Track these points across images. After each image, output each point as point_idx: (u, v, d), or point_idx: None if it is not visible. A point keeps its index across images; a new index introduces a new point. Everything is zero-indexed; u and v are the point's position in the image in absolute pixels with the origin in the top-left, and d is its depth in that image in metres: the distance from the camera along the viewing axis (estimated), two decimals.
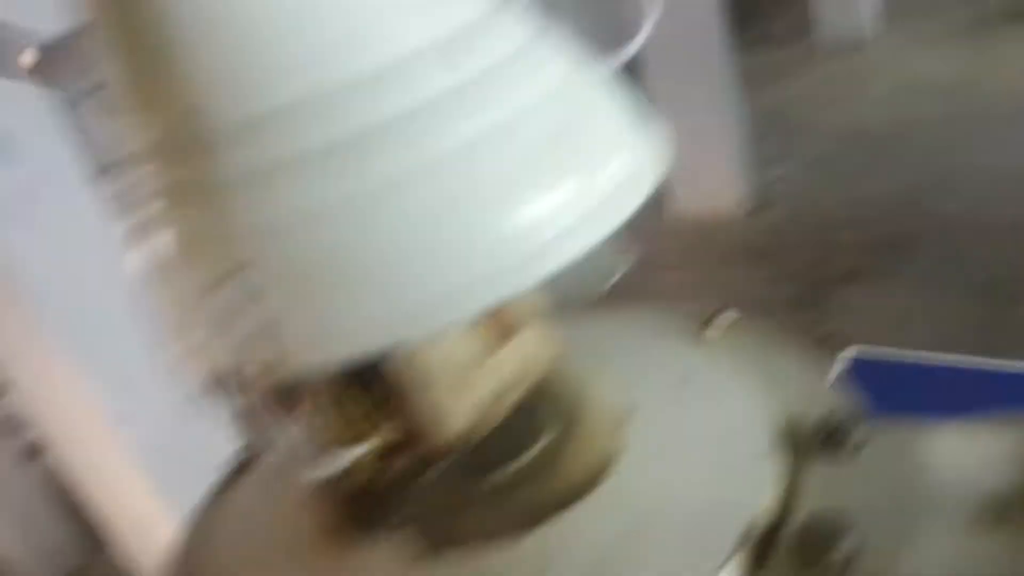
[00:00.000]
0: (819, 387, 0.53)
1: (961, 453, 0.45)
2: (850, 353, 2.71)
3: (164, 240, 0.38)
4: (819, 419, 0.48)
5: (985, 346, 2.81)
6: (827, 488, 0.45)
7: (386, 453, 0.46)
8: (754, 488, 0.45)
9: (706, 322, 0.60)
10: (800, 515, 0.43)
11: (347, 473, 0.46)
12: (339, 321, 0.35)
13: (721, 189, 4.20)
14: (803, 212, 4.06)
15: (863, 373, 2.67)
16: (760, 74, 5.44)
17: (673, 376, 0.54)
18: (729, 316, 0.60)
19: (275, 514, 0.54)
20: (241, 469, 0.61)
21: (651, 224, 4.13)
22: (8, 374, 2.15)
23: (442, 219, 0.35)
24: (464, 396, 0.45)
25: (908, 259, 3.52)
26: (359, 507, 0.49)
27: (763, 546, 0.43)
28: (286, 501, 0.53)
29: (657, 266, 3.73)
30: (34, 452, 2.56)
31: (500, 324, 0.45)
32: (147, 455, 1.97)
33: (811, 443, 0.47)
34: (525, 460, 0.48)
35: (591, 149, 0.40)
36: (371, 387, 0.44)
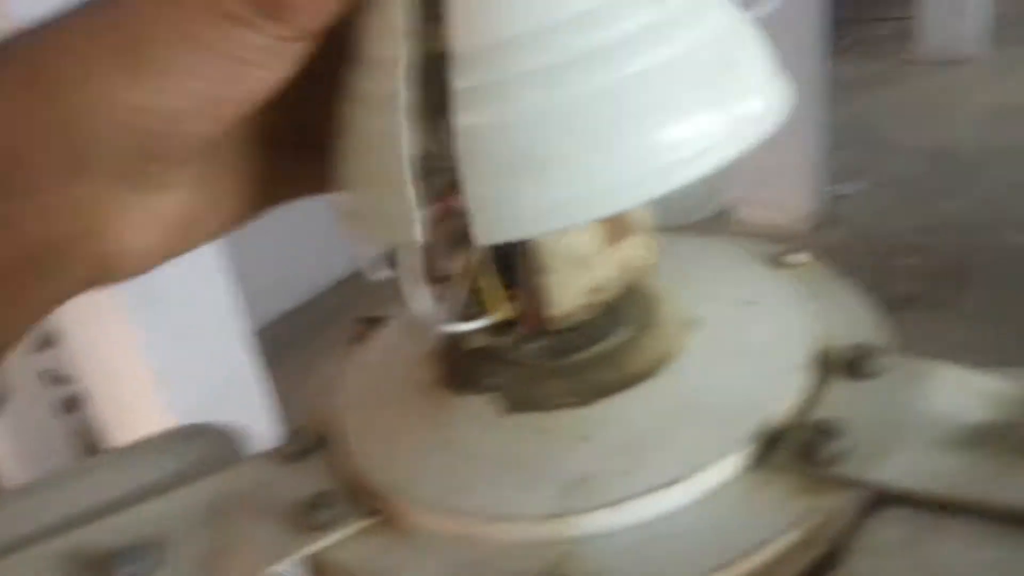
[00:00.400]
0: (862, 321, 0.65)
1: (959, 390, 0.56)
2: None
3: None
4: (851, 346, 0.60)
5: None
6: (837, 402, 0.57)
7: (502, 327, 0.58)
8: (778, 395, 0.57)
9: (780, 256, 0.72)
10: (808, 420, 0.55)
11: (466, 339, 0.59)
12: (524, 203, 0.46)
13: (789, 200, 4.21)
14: (869, 232, 4.09)
15: None
16: (850, 83, 5.44)
17: (739, 298, 0.66)
18: (803, 255, 0.72)
19: (394, 366, 0.68)
20: (370, 327, 0.76)
21: (715, 228, 4.21)
22: (56, 325, 2.27)
23: (615, 129, 0.46)
24: (573, 285, 0.56)
25: (969, 290, 3.56)
26: (465, 368, 0.63)
27: (771, 443, 0.55)
28: (406, 357, 0.68)
29: None
30: (73, 404, 2.65)
31: (616, 226, 0.56)
32: (184, 419, 2.10)
33: (838, 365, 0.59)
34: (599, 349, 0.61)
35: (736, 88, 0.50)
36: (503, 268, 0.56)
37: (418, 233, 0.49)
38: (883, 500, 0.51)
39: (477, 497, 0.55)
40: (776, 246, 0.75)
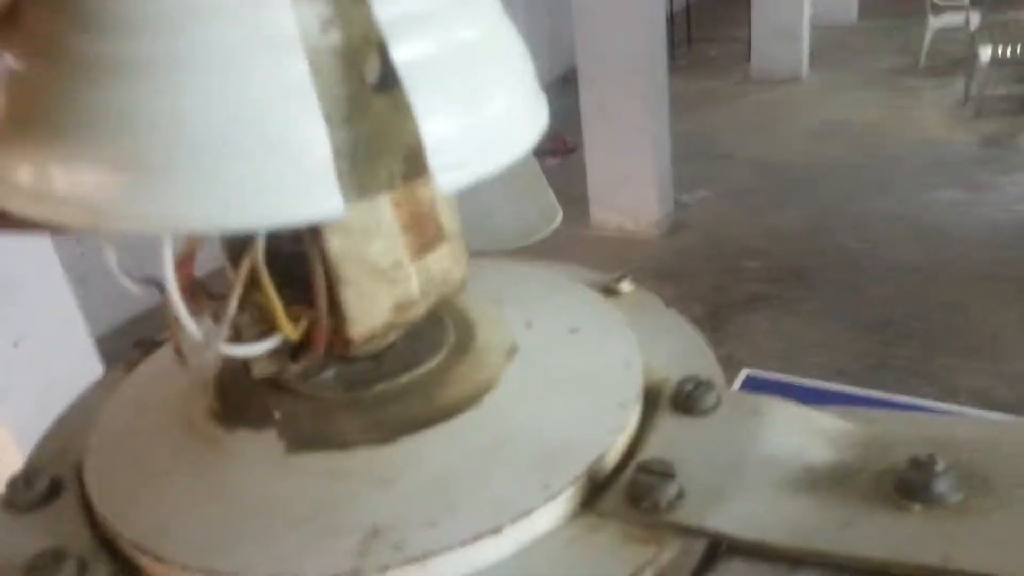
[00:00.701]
0: (691, 353, 0.58)
1: (799, 429, 0.49)
2: (742, 375, 2.84)
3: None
4: (681, 379, 0.52)
5: (871, 380, 2.98)
6: (668, 440, 0.49)
7: (292, 352, 0.48)
8: (605, 432, 0.49)
9: (608, 285, 0.66)
10: (637, 461, 0.47)
11: (250, 366, 0.48)
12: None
13: (639, 208, 4.31)
14: (715, 237, 4.21)
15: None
16: (691, 99, 5.62)
17: (564, 326, 0.59)
18: (629, 284, 0.66)
19: (163, 397, 0.56)
20: (141, 354, 0.64)
21: (567, 235, 4.23)
22: None
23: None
24: (375, 301, 0.47)
25: (808, 291, 3.70)
26: (242, 400, 0.51)
27: (599, 484, 0.47)
28: (178, 387, 0.55)
29: None
30: None
31: (421, 235, 0.47)
32: (19, 431, 1.93)
33: (667, 399, 0.52)
34: (404, 379, 0.51)
35: (490, 92, 0.45)
36: (289, 281, 0.46)
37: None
38: (725, 550, 0.43)
39: (255, 555, 0.43)
40: (603, 275, 0.68)
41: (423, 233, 0.47)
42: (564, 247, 4.58)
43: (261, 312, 0.46)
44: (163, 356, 0.63)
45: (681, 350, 0.59)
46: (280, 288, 0.46)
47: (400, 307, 0.48)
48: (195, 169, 0.37)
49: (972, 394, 2.80)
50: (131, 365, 0.63)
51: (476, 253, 0.80)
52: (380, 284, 0.47)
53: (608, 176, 4.27)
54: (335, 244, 0.44)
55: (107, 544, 0.47)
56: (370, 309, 0.47)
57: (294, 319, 0.47)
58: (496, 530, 0.43)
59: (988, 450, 0.47)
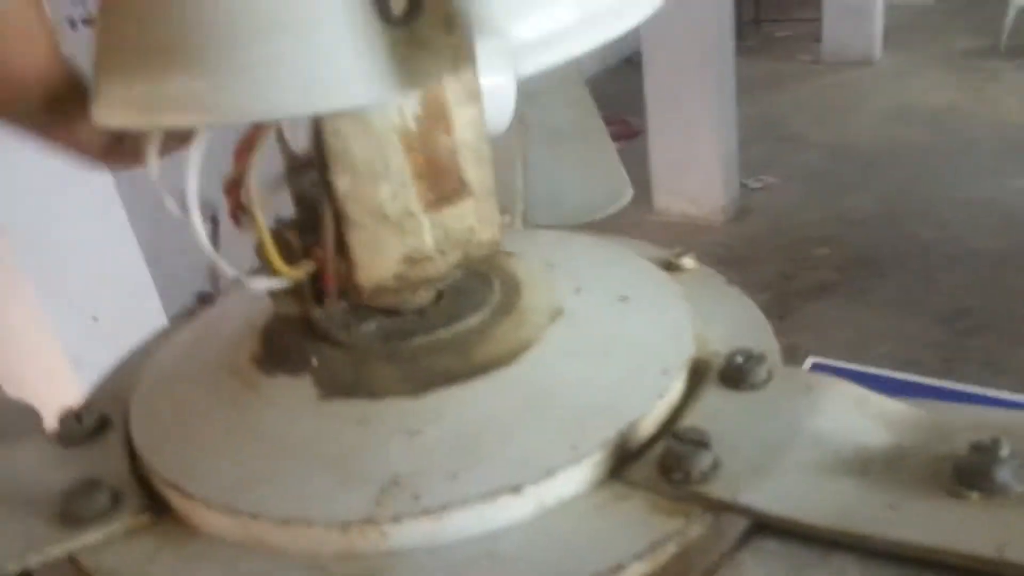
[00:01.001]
0: (747, 328, 0.56)
1: (848, 411, 0.46)
2: (808, 363, 2.78)
3: None
4: (731, 352, 0.50)
5: (942, 371, 2.88)
6: (710, 412, 0.47)
7: (315, 290, 0.48)
8: (642, 400, 0.47)
9: (668, 259, 0.64)
10: (674, 430, 0.45)
11: (280, 305, 0.50)
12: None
13: (705, 193, 4.23)
14: (782, 223, 4.12)
15: None
16: (758, 82, 5.51)
17: (615, 293, 0.57)
18: (691, 260, 0.64)
19: (214, 344, 0.57)
20: (201, 305, 0.67)
21: (630, 220, 4.18)
22: None
23: None
24: (383, 249, 0.46)
25: (879, 279, 3.59)
26: (282, 346, 0.52)
27: (630, 452, 0.45)
28: (228, 334, 0.57)
29: None
30: None
31: (437, 187, 0.46)
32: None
33: (716, 372, 0.50)
34: (443, 335, 0.50)
35: None
36: (309, 219, 0.47)
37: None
38: (759, 528, 0.41)
39: (272, 496, 0.44)
40: (667, 250, 0.66)
41: (440, 185, 0.46)
42: (626, 232, 4.55)
43: (286, 250, 0.47)
44: (220, 307, 0.65)
45: (738, 325, 0.56)
46: (309, 229, 0.47)
47: (411, 260, 0.47)
48: (244, 54, 0.38)
49: None
50: (191, 315, 0.66)
51: (544, 226, 0.80)
52: (388, 231, 0.46)
53: (672, 160, 4.19)
54: (342, 182, 0.44)
55: (143, 479, 0.48)
56: (378, 256, 0.46)
57: (308, 260, 0.47)
58: (516, 488, 0.42)
59: None
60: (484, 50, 0.46)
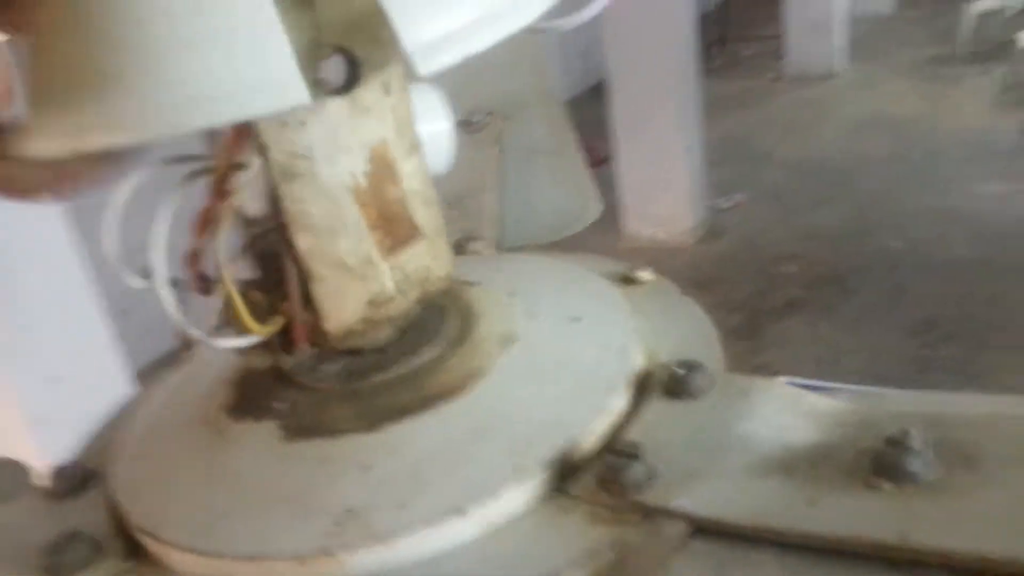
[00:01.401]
0: (696, 339, 0.59)
1: (787, 410, 0.50)
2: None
3: None
4: (675, 364, 0.53)
5: (915, 383, 2.93)
6: (651, 424, 0.50)
7: (284, 341, 0.52)
8: (586, 417, 0.50)
9: (626, 274, 0.68)
10: (614, 445, 0.49)
11: (250, 357, 0.54)
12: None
13: (674, 216, 4.26)
14: (751, 242, 4.15)
15: None
16: (724, 101, 5.58)
17: (567, 315, 0.60)
18: (648, 273, 0.67)
19: (191, 396, 0.61)
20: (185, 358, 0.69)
21: (600, 247, 4.21)
22: None
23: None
24: (347, 296, 0.50)
25: (848, 294, 3.62)
26: (250, 393, 0.56)
27: (571, 469, 0.48)
28: (200, 387, 0.61)
29: None
30: None
31: (392, 234, 0.51)
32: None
33: (661, 385, 0.53)
34: (399, 370, 0.54)
35: None
36: (272, 278, 0.51)
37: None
38: (696, 531, 0.45)
39: (238, 535, 0.48)
40: (623, 264, 0.70)
41: (394, 232, 0.51)
42: None
43: (253, 308, 0.51)
44: (194, 363, 0.68)
45: (687, 337, 0.60)
46: (273, 287, 0.51)
47: (376, 303, 0.51)
48: (162, 66, 0.40)
49: (1021, 391, 2.75)
50: (165, 370, 0.70)
51: (515, 247, 0.83)
52: (351, 281, 0.50)
53: (640, 185, 4.23)
54: (303, 242, 0.48)
55: (123, 528, 0.52)
56: (343, 304, 0.51)
57: (277, 315, 0.52)
58: (460, 510, 0.45)
59: (984, 428, 0.47)
60: (421, 101, 0.51)
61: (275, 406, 0.55)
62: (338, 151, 0.46)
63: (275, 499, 0.49)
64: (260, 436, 0.54)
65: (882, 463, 0.44)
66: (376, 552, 0.45)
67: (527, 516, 0.47)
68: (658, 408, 0.52)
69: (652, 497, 0.46)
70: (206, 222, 0.48)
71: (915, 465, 0.44)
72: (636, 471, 0.46)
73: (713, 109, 4.54)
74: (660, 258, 4.10)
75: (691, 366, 0.54)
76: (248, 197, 0.50)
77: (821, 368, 3.00)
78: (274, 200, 0.48)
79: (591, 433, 0.50)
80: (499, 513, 0.47)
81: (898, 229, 4.05)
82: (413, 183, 0.51)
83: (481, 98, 1.06)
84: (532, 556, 0.44)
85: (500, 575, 0.44)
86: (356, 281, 0.51)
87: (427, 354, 0.56)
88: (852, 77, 6.08)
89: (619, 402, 0.52)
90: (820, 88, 5.97)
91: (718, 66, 6.54)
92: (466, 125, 1.00)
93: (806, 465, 0.47)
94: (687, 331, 0.61)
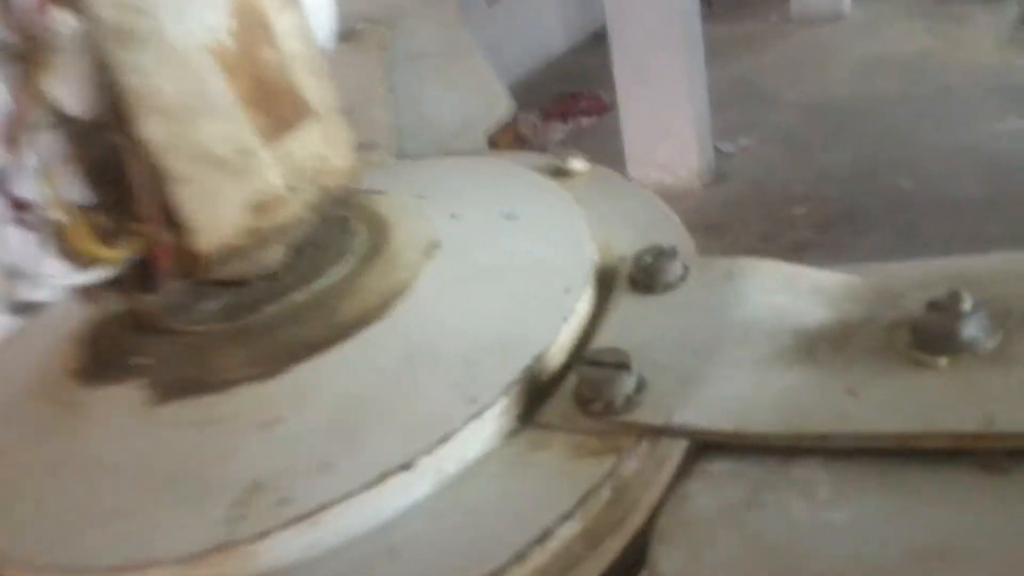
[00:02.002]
0: (656, 227, 0.50)
1: (777, 292, 0.41)
2: None
3: None
4: (639, 253, 0.44)
5: None
6: (627, 326, 0.40)
7: (142, 278, 0.39)
8: (543, 327, 0.40)
9: (557, 166, 0.57)
10: (587, 355, 0.38)
11: (100, 302, 0.40)
12: None
13: (680, 159, 4.18)
14: (760, 185, 4.06)
15: None
16: (730, 44, 5.44)
17: (498, 213, 0.50)
18: (581, 162, 0.57)
19: (25, 362, 0.48)
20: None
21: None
22: None
23: None
24: (223, 200, 0.38)
25: (859, 235, 3.54)
26: (107, 348, 0.43)
27: (544, 389, 0.38)
28: (34, 353, 0.47)
29: None
30: None
31: (276, 112, 0.38)
32: None
33: (626, 279, 0.43)
34: (298, 298, 0.42)
35: None
36: (114, 193, 0.37)
37: None
38: (703, 449, 0.35)
39: (103, 540, 0.34)
40: (547, 155, 0.59)
41: (276, 109, 0.38)
42: None
43: (97, 229, 0.37)
44: (36, 320, 0.53)
45: (644, 224, 0.50)
46: (117, 205, 0.37)
47: (259, 206, 0.39)
48: None
49: None
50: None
51: (416, 155, 0.74)
52: (223, 178, 0.37)
53: (645, 131, 4.13)
54: (154, 131, 0.35)
55: None
56: (216, 211, 0.37)
57: (129, 239, 0.37)
58: (407, 465, 0.34)
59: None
60: None
61: (138, 362, 0.41)
62: (191, 2, 0.34)
63: (150, 484, 0.36)
64: (122, 402, 0.40)
65: (929, 334, 0.35)
66: (297, 534, 0.33)
67: (491, 459, 0.36)
68: (629, 306, 0.42)
69: (647, 413, 0.35)
70: (13, 129, 0.35)
71: (971, 330, 0.34)
72: (623, 383, 0.36)
73: (719, 52, 4.42)
74: (667, 203, 3.98)
75: (658, 253, 0.44)
76: (67, 84, 0.35)
77: None
78: (106, 80, 0.35)
79: (555, 344, 0.39)
80: (455, 460, 0.35)
81: (909, 169, 3.95)
82: (294, 44, 0.38)
83: (362, 5, 0.94)
84: (509, 514, 0.33)
85: (472, 547, 0.32)
86: (231, 178, 0.38)
87: (333, 274, 0.44)
88: (860, 17, 5.93)
89: (582, 304, 0.42)
90: (827, 29, 5.83)
91: (720, 11, 6.38)
92: (348, 35, 0.88)
93: (827, 350, 0.37)
94: (642, 218, 0.51)
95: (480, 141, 0.81)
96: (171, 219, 0.36)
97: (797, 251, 3.49)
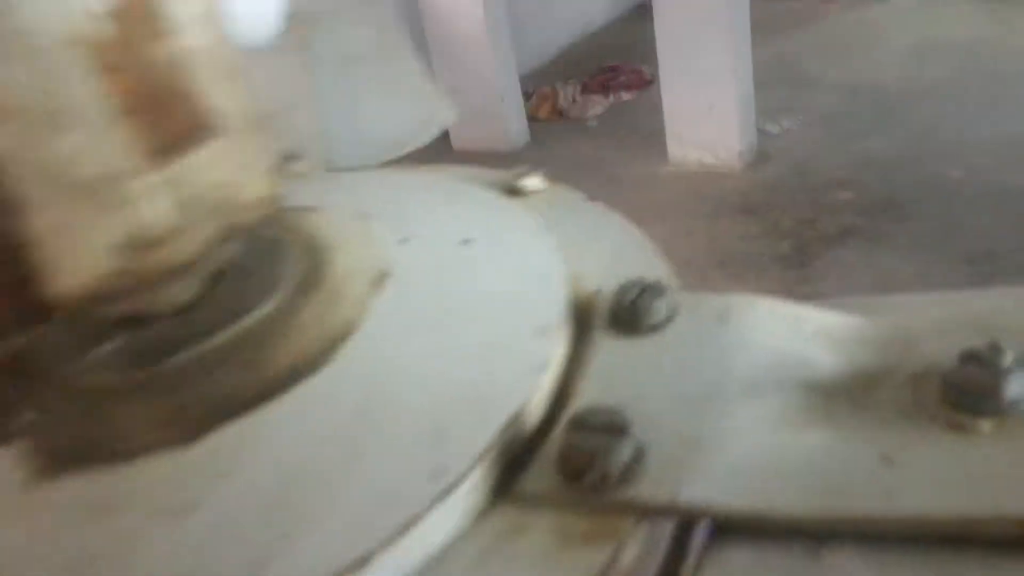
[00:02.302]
0: (631, 256, 0.44)
1: (781, 337, 0.35)
2: None
3: None
4: (620, 289, 0.37)
5: None
6: (612, 374, 0.34)
7: (15, 311, 0.31)
8: (523, 372, 0.33)
9: (512, 184, 0.50)
10: (573, 409, 0.32)
11: None
12: None
13: (721, 140, 4.08)
14: (802, 168, 3.96)
15: None
16: (776, 23, 5.30)
17: (453, 237, 0.43)
18: (539, 180, 0.50)
19: None
20: None
21: (643, 172, 4.03)
22: None
23: None
24: (97, 229, 0.30)
25: (902, 223, 3.44)
26: None
27: (521, 452, 0.31)
28: None
29: (646, 216, 3.63)
30: None
31: (162, 126, 0.30)
32: None
33: (606, 316, 0.37)
34: (220, 339, 0.34)
35: None
36: None
37: None
38: (717, 530, 0.29)
39: None
40: (507, 172, 0.52)
41: (165, 121, 0.30)
42: (639, 184, 4.35)
43: None
44: None
45: (616, 251, 0.44)
46: None
47: (138, 244, 0.31)
48: None
49: None
50: None
51: (348, 168, 0.66)
52: (90, 207, 0.29)
53: (686, 108, 4.03)
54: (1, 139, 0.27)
55: None
56: (78, 248, 0.30)
57: None
58: (361, 562, 0.27)
59: None
60: None
61: (15, 423, 0.33)
62: None
63: None
64: (5, 475, 0.32)
65: (966, 392, 0.30)
66: None
67: (462, 548, 0.29)
68: (611, 350, 0.36)
69: (649, 488, 0.29)
70: None
71: (1017, 389, 0.29)
72: (619, 450, 0.30)
73: (762, 30, 4.31)
74: (706, 183, 3.91)
75: (643, 287, 0.37)
76: None
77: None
78: None
79: (533, 401, 0.33)
80: (419, 552, 0.28)
81: (958, 157, 3.83)
82: (196, 37, 0.30)
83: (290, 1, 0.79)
84: None
85: None
86: (98, 208, 0.30)
87: (263, 309, 0.36)
88: (908, 1, 5.74)
89: (558, 349, 0.35)
90: (876, 9, 5.67)
91: None
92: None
93: (846, 405, 0.32)
94: (613, 245, 0.45)
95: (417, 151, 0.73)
96: (19, 252, 0.29)
97: (840, 237, 3.41)
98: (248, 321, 0.35)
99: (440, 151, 4.44)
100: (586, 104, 4.62)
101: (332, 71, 0.80)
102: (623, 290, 0.37)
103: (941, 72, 4.66)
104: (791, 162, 4.06)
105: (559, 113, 4.56)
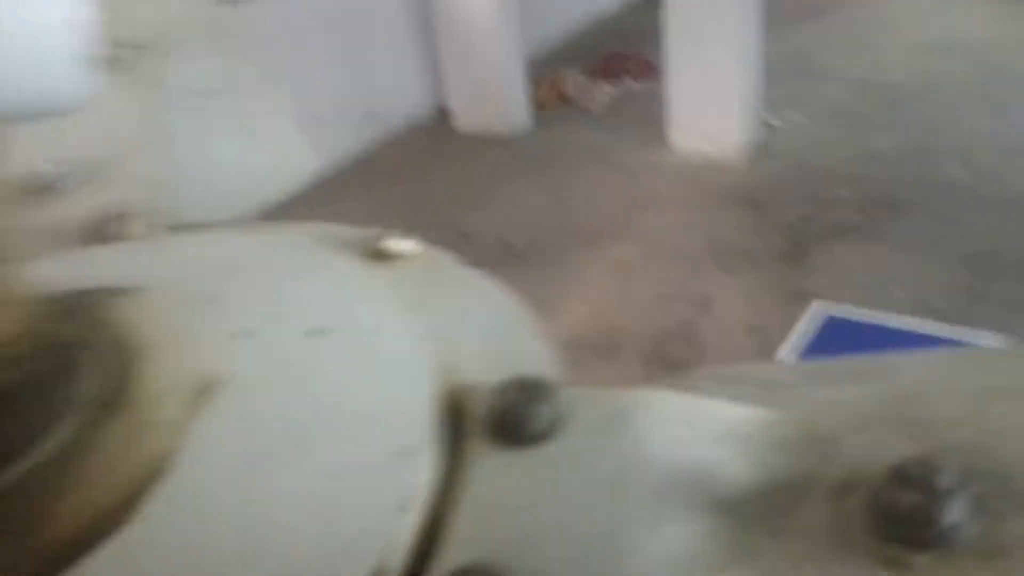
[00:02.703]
0: (515, 342, 0.38)
1: (684, 435, 0.31)
2: (812, 310, 2.61)
3: None
4: (499, 390, 0.31)
5: (960, 315, 2.71)
6: (488, 505, 0.28)
7: None
8: (381, 515, 0.27)
9: (374, 245, 0.43)
10: (445, 566, 0.26)
11: None
12: None
13: (725, 130, 4.03)
14: (805, 162, 3.91)
15: (829, 330, 2.57)
16: (787, 14, 5.22)
17: (303, 325, 0.36)
18: (409, 243, 0.43)
19: None
20: None
21: (645, 162, 3.98)
22: None
23: None
24: None
25: (901, 221, 3.40)
26: None
27: None
28: None
29: (645, 205, 3.58)
30: None
31: None
32: None
33: (483, 425, 0.31)
34: None
35: None
36: None
37: None
38: None
39: None
40: (367, 232, 0.45)
41: None
42: (640, 174, 4.29)
43: None
44: None
45: (499, 336, 0.38)
46: None
47: None
48: None
49: None
50: None
51: (197, 221, 0.58)
52: None
53: (691, 98, 3.97)
54: None
55: None
56: None
57: None
58: None
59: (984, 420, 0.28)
60: None
61: None
62: None
63: None
64: None
65: (900, 521, 0.25)
66: None
67: None
68: (490, 470, 0.30)
69: None
70: None
71: (954, 515, 0.25)
72: None
73: (770, 23, 4.24)
74: (706, 176, 3.86)
75: (524, 386, 0.32)
76: None
77: (868, 295, 2.80)
78: None
79: (393, 550, 0.27)
80: None
81: (962, 157, 3.78)
82: None
83: (127, 27, 0.69)
84: None
85: None
86: None
87: (45, 447, 0.27)
88: None
89: (423, 475, 0.29)
90: (891, 4, 5.55)
91: None
92: (107, 64, 0.65)
93: (766, 535, 0.27)
94: (494, 327, 0.39)
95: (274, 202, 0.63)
96: None
97: (837, 233, 3.38)
98: (22, 466, 0.26)
99: (445, 133, 4.39)
100: (592, 91, 4.55)
101: (180, 109, 0.71)
102: (502, 390, 0.31)
103: (952, 71, 4.61)
104: (793, 156, 4.02)
105: (565, 99, 4.50)
